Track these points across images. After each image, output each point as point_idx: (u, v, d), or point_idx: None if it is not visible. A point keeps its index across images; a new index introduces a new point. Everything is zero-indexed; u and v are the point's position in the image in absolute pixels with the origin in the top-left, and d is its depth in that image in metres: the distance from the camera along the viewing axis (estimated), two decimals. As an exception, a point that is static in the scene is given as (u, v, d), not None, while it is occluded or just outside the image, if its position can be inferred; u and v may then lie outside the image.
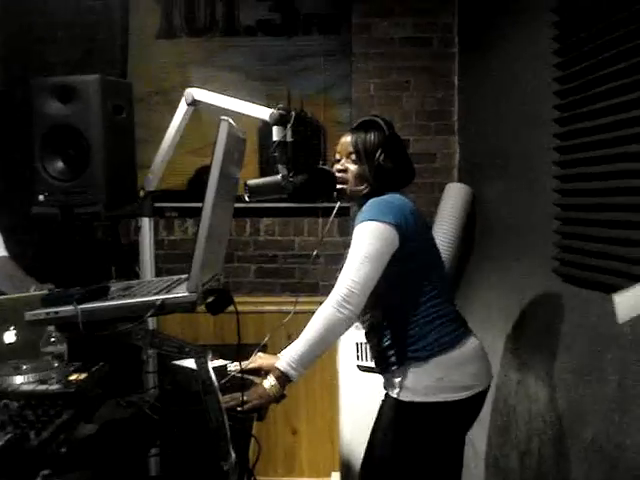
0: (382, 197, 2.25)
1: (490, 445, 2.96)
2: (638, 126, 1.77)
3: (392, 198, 2.26)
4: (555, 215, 2.28)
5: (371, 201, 2.23)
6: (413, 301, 2.24)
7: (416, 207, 2.30)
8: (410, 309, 2.24)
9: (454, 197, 3.46)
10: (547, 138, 2.31)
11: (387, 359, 2.28)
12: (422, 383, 2.20)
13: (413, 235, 2.21)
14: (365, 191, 2.31)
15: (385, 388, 2.35)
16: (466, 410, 2.29)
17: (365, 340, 2.43)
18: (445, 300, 2.31)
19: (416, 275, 2.26)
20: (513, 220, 2.83)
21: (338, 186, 2.35)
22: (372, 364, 3.12)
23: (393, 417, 2.27)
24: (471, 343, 2.29)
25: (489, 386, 2.34)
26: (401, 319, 2.25)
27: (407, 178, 2.37)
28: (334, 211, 2.53)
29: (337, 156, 2.39)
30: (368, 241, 2.14)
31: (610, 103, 1.92)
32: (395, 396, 2.24)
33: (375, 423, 2.37)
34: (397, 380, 2.24)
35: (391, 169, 2.28)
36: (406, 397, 2.21)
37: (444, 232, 3.32)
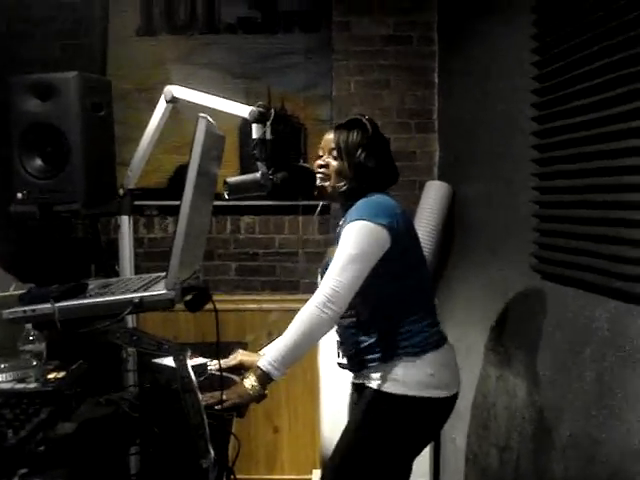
0: (372, 197, 2.25)
1: (470, 441, 2.98)
2: (616, 124, 1.79)
3: (381, 199, 2.26)
4: (534, 213, 2.29)
5: (362, 201, 2.23)
6: (401, 299, 2.26)
7: (402, 207, 2.30)
8: (398, 307, 2.25)
9: (434, 195, 3.48)
10: (525, 136, 2.32)
11: (369, 354, 2.28)
12: (415, 377, 2.21)
13: (403, 235, 2.22)
14: (344, 188, 2.30)
15: (360, 381, 2.34)
16: (444, 409, 2.32)
17: (340, 335, 2.43)
18: (429, 299, 2.36)
19: (405, 274, 2.27)
20: (492, 218, 2.84)
21: (318, 182, 2.35)
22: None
23: (378, 409, 2.25)
24: (450, 346, 2.34)
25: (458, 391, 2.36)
26: (389, 316, 2.26)
27: (390, 179, 2.38)
28: (318, 209, 2.53)
29: (320, 152, 2.39)
30: (356, 241, 2.14)
31: (588, 101, 1.93)
32: (383, 390, 2.23)
33: (351, 419, 2.37)
34: (380, 374, 2.24)
35: (372, 168, 2.28)
36: (398, 390, 2.21)
37: (424, 230, 3.33)
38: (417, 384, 2.21)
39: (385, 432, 2.24)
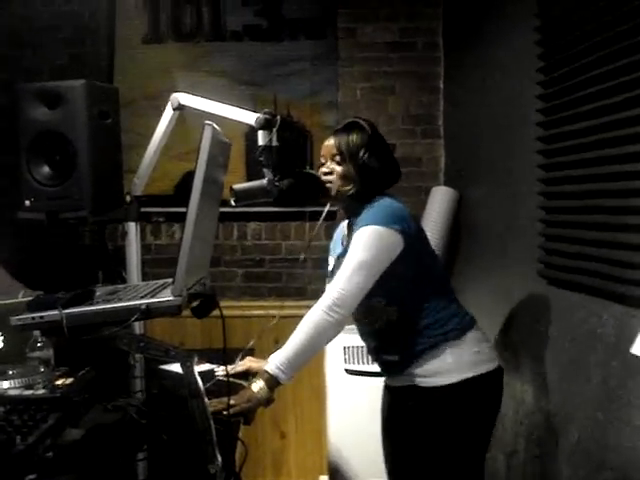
0: (380, 202, 2.24)
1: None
2: (621, 129, 1.79)
3: (389, 202, 2.25)
4: (539, 218, 2.29)
5: (371, 207, 2.22)
6: (427, 293, 2.25)
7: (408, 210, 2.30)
8: (425, 301, 2.24)
9: (440, 201, 3.48)
10: (531, 141, 2.32)
11: (412, 349, 2.24)
12: (464, 359, 2.20)
13: (416, 235, 2.23)
14: (351, 191, 2.29)
15: (402, 384, 2.31)
16: (497, 383, 2.28)
17: (375, 341, 2.40)
18: (450, 290, 2.35)
19: (426, 269, 2.28)
20: (498, 223, 2.84)
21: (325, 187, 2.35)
22: (360, 367, 3.16)
23: (442, 406, 2.22)
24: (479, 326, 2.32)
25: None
26: (419, 310, 2.23)
27: (393, 177, 2.37)
28: (323, 214, 2.53)
29: (322, 160, 2.38)
30: (366, 247, 2.14)
31: (593, 106, 1.94)
32: (440, 384, 2.20)
33: (420, 430, 2.29)
34: (430, 369, 2.21)
35: (376, 168, 2.28)
36: (454, 378, 2.18)
37: (430, 236, 3.30)
38: (468, 364, 2.19)
39: (459, 426, 2.20)
